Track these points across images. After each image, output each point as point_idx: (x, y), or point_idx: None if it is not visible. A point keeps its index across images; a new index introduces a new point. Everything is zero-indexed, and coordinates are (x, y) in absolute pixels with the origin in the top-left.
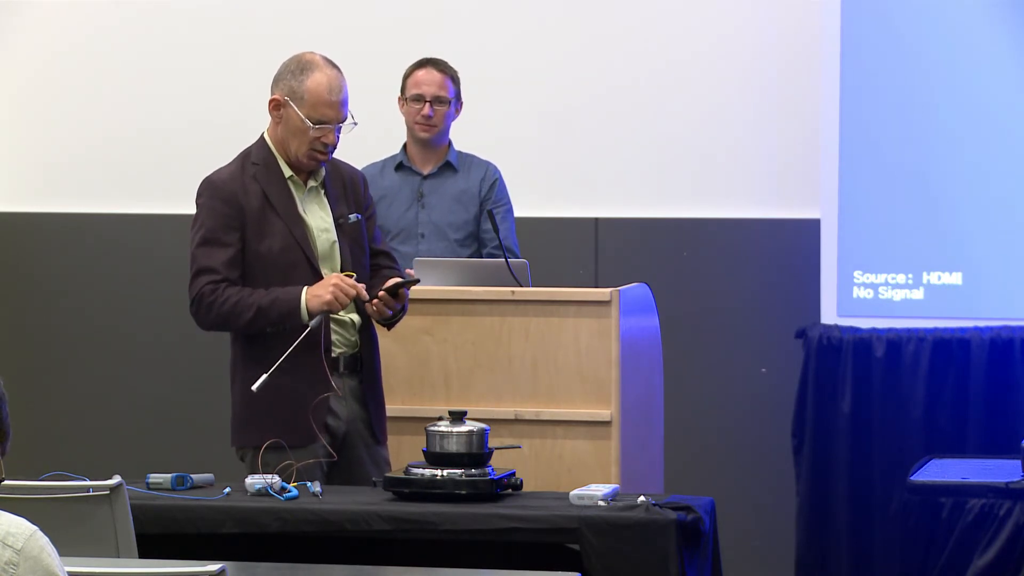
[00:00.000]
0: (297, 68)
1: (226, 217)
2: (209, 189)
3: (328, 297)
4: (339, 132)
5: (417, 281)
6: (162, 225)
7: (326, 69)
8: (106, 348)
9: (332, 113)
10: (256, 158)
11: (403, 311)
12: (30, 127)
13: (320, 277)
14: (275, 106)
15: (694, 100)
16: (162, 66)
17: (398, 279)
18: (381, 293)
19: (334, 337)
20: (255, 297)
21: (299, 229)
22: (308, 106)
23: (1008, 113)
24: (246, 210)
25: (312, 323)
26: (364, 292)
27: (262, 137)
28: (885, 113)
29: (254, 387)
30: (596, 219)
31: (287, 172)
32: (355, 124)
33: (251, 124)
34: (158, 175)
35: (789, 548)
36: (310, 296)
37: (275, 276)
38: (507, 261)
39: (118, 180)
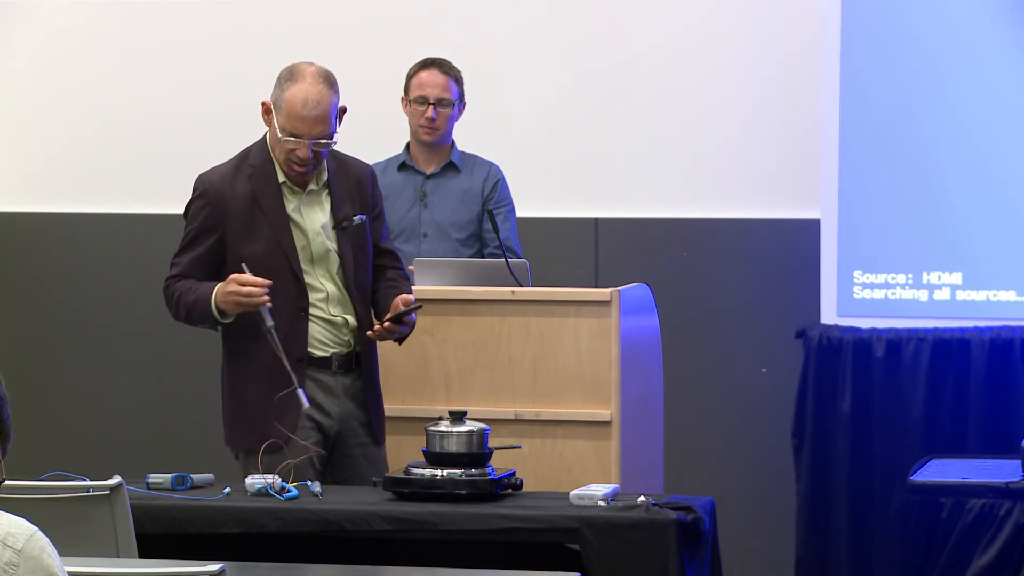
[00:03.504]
0: (286, 76)
1: (207, 218)
2: (199, 187)
3: (232, 301)
4: (324, 149)
5: (420, 307)
6: (162, 225)
7: (310, 83)
8: (106, 348)
9: (303, 128)
10: (254, 160)
11: (411, 330)
12: (30, 127)
13: (303, 284)
14: (265, 111)
15: (694, 100)
16: (162, 66)
17: (401, 308)
18: (386, 324)
19: (325, 336)
20: (186, 297)
21: (286, 235)
22: (283, 116)
23: (1008, 113)
24: (231, 212)
25: (268, 324)
26: (254, 279)
27: (263, 138)
28: (885, 113)
29: (304, 405)
30: (596, 219)
31: (282, 177)
32: (333, 143)
33: (251, 124)
34: (157, 175)
35: (789, 548)
36: (220, 295)
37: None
38: (507, 261)
39: (118, 180)
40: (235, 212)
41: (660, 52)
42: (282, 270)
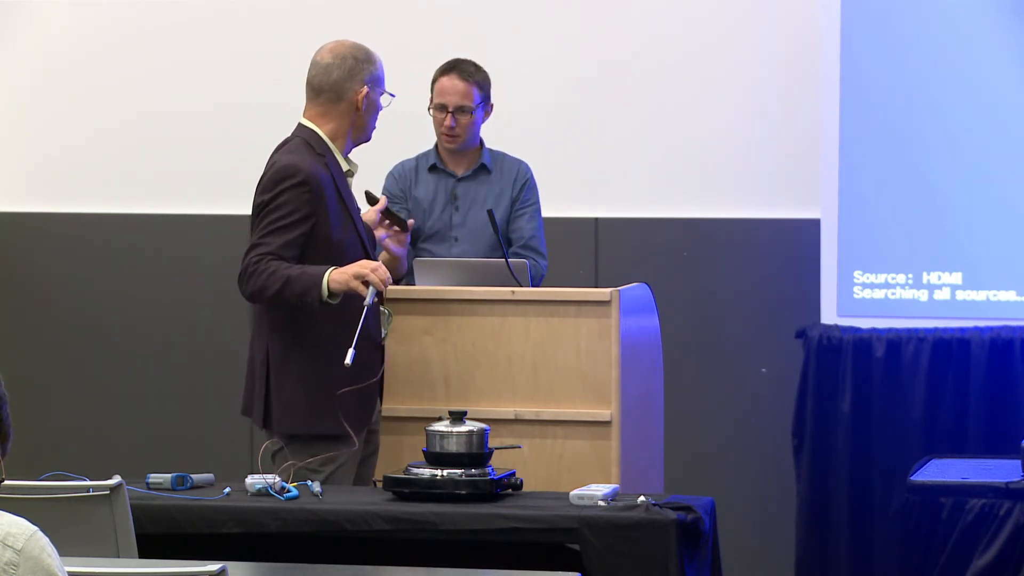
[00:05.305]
0: (365, 57)
1: (308, 203)
2: (299, 175)
3: (351, 270)
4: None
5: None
6: (162, 225)
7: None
8: (106, 348)
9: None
10: (319, 148)
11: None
12: (30, 127)
13: None
14: (363, 97)
15: (694, 100)
16: (162, 66)
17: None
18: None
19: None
20: (288, 270)
21: (360, 222)
22: (383, 82)
23: (1008, 113)
24: (326, 199)
25: (368, 302)
26: (384, 271)
27: (313, 131)
28: (885, 113)
29: (348, 360)
30: (596, 219)
31: (344, 166)
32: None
33: (251, 124)
34: (157, 175)
35: (789, 548)
36: (336, 273)
37: (342, 265)
38: (507, 261)
39: (118, 180)
40: (329, 199)
41: (660, 52)
42: (362, 257)
